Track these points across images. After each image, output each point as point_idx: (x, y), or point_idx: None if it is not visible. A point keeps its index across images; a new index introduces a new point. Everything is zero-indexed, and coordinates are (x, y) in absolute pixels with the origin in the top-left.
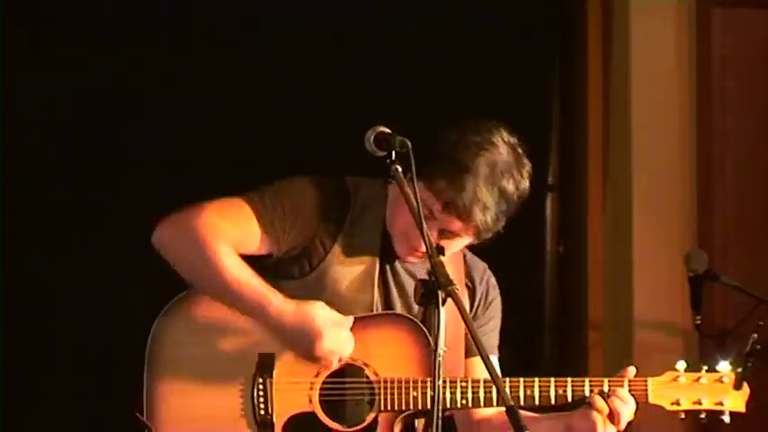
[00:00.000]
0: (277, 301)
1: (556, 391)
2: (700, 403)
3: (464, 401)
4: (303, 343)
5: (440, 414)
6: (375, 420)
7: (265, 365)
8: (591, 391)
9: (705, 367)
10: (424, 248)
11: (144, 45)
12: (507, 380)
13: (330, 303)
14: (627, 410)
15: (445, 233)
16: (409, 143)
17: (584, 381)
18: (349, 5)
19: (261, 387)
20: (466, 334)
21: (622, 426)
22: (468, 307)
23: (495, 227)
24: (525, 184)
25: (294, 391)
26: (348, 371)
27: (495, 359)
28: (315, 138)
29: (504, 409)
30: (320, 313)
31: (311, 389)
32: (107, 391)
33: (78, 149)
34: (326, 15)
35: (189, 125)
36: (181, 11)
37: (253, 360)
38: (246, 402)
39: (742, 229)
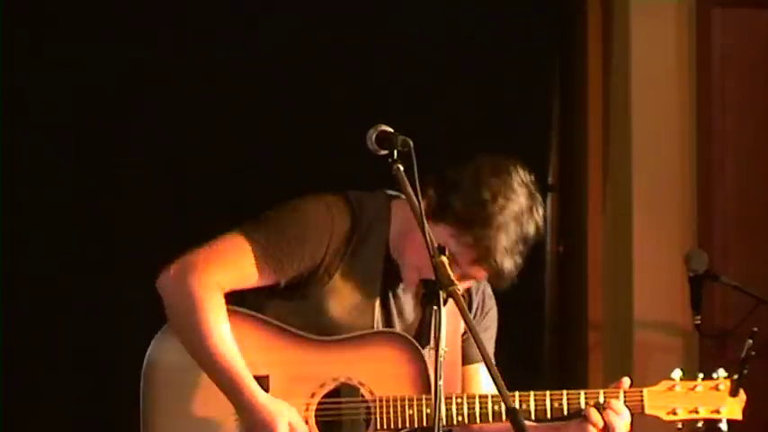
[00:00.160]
0: (248, 393)
1: (552, 404)
2: (696, 412)
3: (460, 418)
4: None
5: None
6: None
7: (260, 387)
8: (586, 403)
9: (701, 375)
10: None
11: (144, 45)
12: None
13: (329, 326)
14: (622, 423)
15: (467, 277)
16: (411, 142)
17: (579, 393)
18: (349, 5)
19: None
20: (463, 342)
21: None
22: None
23: (517, 270)
24: (541, 221)
25: None
26: (344, 390)
27: None
28: (315, 138)
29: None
30: (283, 425)
31: (307, 409)
32: (107, 391)
33: (78, 149)
34: (326, 15)
35: (189, 125)
36: (181, 11)
37: None
38: (241, 426)
39: (742, 229)
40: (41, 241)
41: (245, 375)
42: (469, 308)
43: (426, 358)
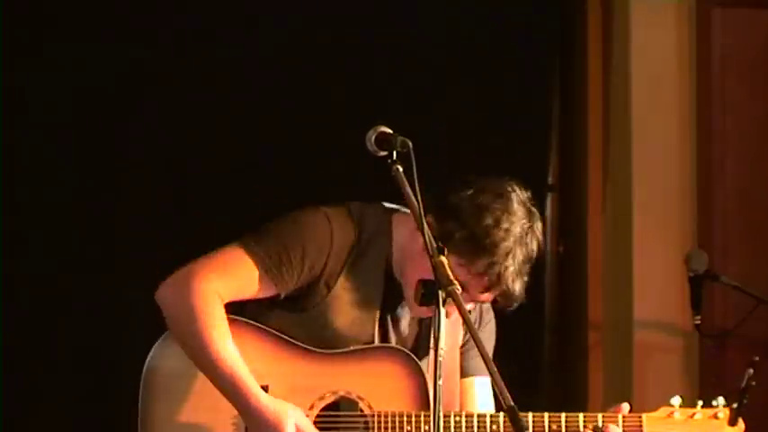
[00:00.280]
0: (252, 396)
1: (550, 426)
2: None
3: None
4: None
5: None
6: None
7: None
8: (585, 426)
9: (700, 402)
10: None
11: (144, 45)
12: (501, 414)
13: (329, 340)
14: None
15: (475, 301)
16: (410, 143)
17: (578, 416)
18: (349, 5)
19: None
20: (461, 354)
21: None
22: (461, 329)
23: (524, 289)
24: (541, 236)
25: None
26: (342, 404)
27: (486, 381)
28: (315, 138)
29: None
30: (290, 426)
31: None
32: (107, 392)
33: (78, 149)
34: (326, 15)
35: (189, 125)
36: (181, 11)
37: None
38: None
39: (742, 229)
40: (41, 241)
41: (248, 379)
42: None
43: (425, 369)
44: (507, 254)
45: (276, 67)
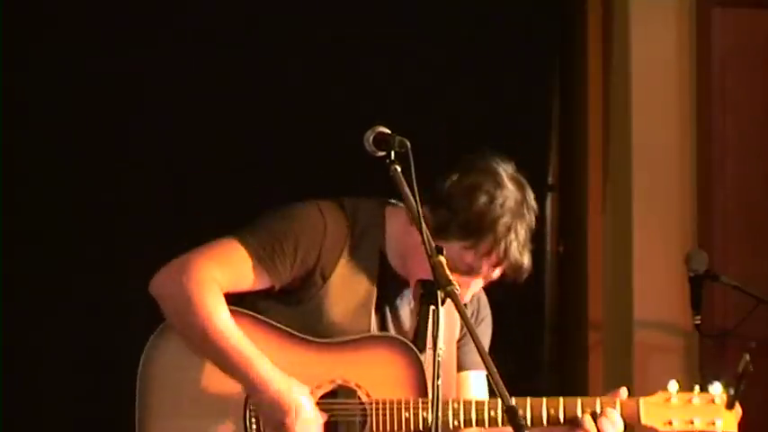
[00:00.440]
0: (262, 370)
1: (548, 412)
2: (692, 423)
3: (456, 423)
4: (276, 414)
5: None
6: None
7: None
8: (583, 411)
9: (697, 387)
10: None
11: (144, 45)
12: (499, 401)
13: (325, 331)
14: None
15: (487, 279)
16: (408, 143)
17: (576, 400)
18: (349, 5)
19: (252, 409)
20: (458, 349)
21: None
22: (458, 323)
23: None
24: (535, 205)
25: (269, 426)
26: (340, 392)
27: (481, 374)
28: (315, 138)
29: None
30: (300, 396)
31: None
32: (107, 391)
33: (78, 149)
34: (326, 15)
35: (189, 125)
36: (181, 11)
37: None
38: (239, 425)
39: (742, 229)
40: (41, 241)
41: (254, 353)
42: None
43: (423, 362)
44: (509, 229)
45: (276, 67)
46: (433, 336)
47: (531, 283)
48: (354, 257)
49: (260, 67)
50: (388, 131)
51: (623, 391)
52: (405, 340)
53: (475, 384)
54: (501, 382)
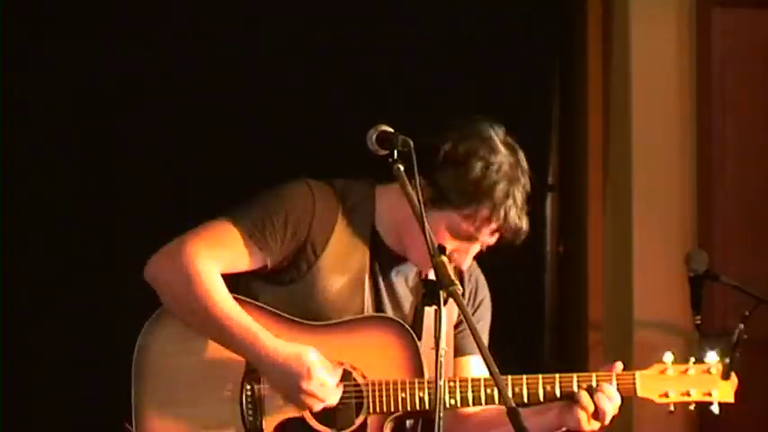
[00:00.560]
0: (267, 340)
1: (544, 388)
2: (688, 395)
3: (453, 401)
4: (290, 380)
5: (441, 414)
6: (365, 423)
7: (253, 371)
8: (579, 386)
9: (692, 359)
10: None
11: (144, 45)
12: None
13: (320, 309)
14: (611, 407)
15: (486, 244)
16: (411, 142)
17: (572, 377)
18: (349, 5)
19: (249, 393)
20: (456, 334)
21: (607, 421)
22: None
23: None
24: (527, 167)
25: (283, 396)
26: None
27: (480, 360)
28: (315, 138)
29: (491, 405)
30: (312, 356)
31: None
32: (107, 391)
33: (78, 149)
34: (326, 15)
35: (189, 125)
36: (181, 11)
37: (240, 366)
38: (235, 409)
39: (742, 229)
40: (41, 241)
41: (258, 328)
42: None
43: (420, 349)
44: (506, 194)
45: (276, 67)
46: (435, 336)
47: (531, 283)
48: (345, 234)
49: (260, 67)
50: (392, 130)
51: (619, 365)
52: (400, 321)
53: (475, 370)
54: (501, 381)
